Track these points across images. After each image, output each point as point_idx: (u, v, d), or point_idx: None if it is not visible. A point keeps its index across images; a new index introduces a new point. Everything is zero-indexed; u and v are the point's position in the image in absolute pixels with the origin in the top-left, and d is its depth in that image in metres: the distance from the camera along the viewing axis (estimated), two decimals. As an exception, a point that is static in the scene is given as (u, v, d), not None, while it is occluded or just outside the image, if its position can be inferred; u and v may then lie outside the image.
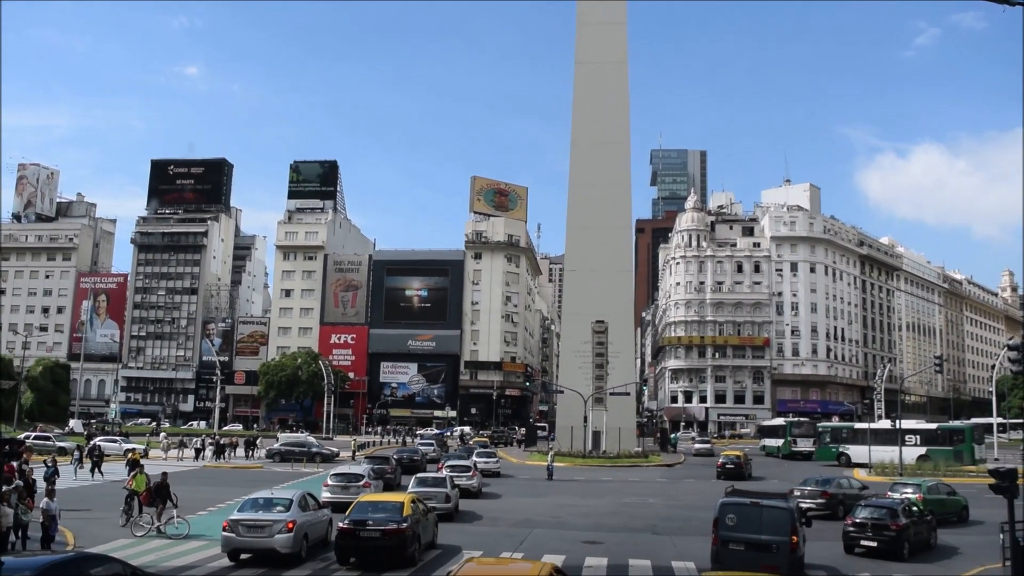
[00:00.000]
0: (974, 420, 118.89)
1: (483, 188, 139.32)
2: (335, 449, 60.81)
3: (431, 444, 62.95)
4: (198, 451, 57.10)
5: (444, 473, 33.48)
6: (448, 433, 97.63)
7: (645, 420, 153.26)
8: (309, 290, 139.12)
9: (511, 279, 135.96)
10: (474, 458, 45.82)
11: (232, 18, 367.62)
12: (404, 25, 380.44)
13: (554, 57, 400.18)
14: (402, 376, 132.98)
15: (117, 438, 63.35)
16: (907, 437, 56.57)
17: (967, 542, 26.56)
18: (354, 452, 60.45)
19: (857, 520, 24.19)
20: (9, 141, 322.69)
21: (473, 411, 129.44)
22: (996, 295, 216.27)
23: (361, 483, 31.54)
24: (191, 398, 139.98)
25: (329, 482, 32.04)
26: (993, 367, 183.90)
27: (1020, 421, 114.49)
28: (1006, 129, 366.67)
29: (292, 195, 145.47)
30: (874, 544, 23.54)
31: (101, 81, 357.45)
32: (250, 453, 60.23)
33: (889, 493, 29.27)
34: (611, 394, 64.43)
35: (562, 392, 68.38)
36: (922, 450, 56.91)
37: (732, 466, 47.70)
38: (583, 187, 76.65)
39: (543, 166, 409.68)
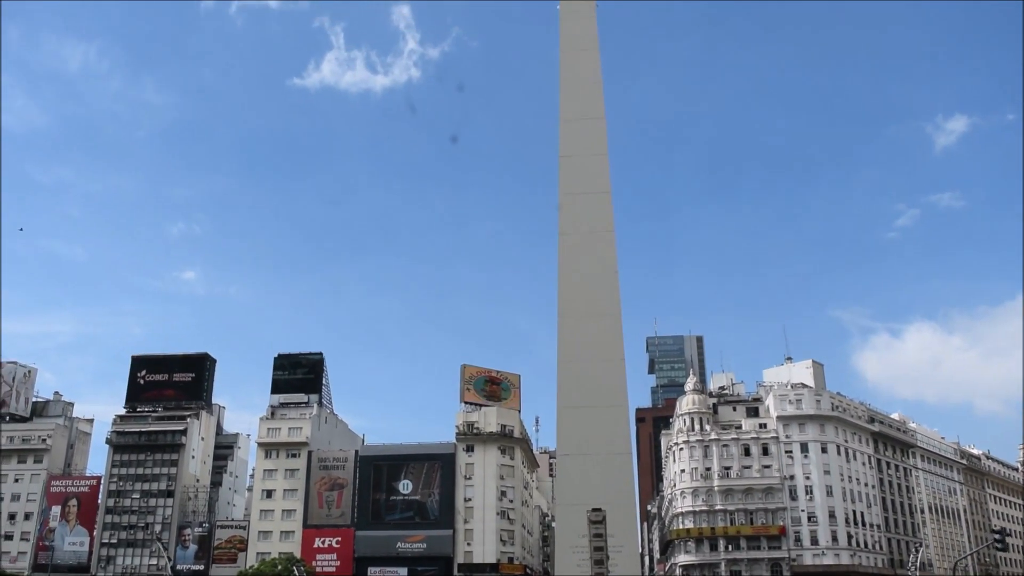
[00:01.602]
0: None
1: (473, 376, 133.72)
2: None
3: None
4: None
5: None
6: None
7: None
8: (292, 490, 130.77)
9: (506, 472, 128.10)
10: None
11: (229, 225, 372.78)
12: (395, 224, 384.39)
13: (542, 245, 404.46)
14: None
15: None
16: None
17: None
18: None
19: None
20: (12, 347, 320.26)
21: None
22: (1016, 470, 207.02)
23: None
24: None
25: None
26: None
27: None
28: (996, 304, 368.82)
29: (276, 389, 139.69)
30: None
31: (101, 287, 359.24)
32: None
33: None
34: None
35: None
36: None
37: None
38: (572, 363, 70.77)
39: (537, 358, 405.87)
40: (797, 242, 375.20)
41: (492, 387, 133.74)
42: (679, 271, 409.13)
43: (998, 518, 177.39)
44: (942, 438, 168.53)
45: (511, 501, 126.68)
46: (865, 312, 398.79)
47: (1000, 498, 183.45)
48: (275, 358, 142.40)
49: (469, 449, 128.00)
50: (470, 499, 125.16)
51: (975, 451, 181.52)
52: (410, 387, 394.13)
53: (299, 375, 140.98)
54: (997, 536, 55.58)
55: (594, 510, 58.52)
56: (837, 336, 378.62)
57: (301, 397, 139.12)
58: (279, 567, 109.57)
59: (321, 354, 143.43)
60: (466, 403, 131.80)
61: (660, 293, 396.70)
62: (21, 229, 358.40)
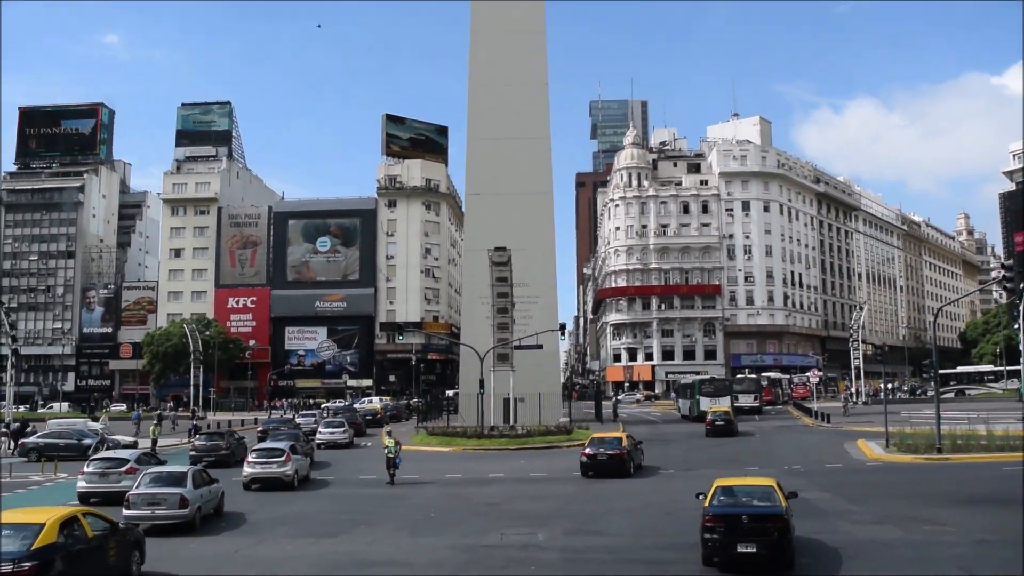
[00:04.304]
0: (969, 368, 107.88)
1: (397, 126, 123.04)
2: (127, 438, 45.25)
3: (312, 417, 58.49)
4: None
5: (251, 459, 29.49)
6: (363, 403, 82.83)
7: (587, 383, 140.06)
8: (202, 249, 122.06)
9: (431, 229, 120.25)
10: (323, 429, 46.39)
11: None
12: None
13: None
14: (310, 342, 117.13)
15: None
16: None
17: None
18: (154, 441, 44.71)
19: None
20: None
21: (392, 379, 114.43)
22: (953, 239, 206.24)
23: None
24: (71, 376, 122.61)
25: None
26: (958, 315, 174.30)
27: (996, 369, 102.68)
28: (938, 82, 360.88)
29: (181, 142, 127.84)
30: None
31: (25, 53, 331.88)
32: (12, 447, 44.20)
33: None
34: (517, 348, 49.45)
35: (446, 344, 53.32)
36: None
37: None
38: (486, 86, 61.13)
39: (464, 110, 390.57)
40: (745, 12, 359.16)
41: (417, 138, 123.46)
42: (624, 33, 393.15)
43: (932, 285, 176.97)
44: (885, 204, 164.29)
45: (436, 259, 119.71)
46: (809, 87, 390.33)
47: (936, 266, 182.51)
48: (179, 107, 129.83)
49: (391, 204, 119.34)
50: (392, 257, 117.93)
51: (916, 218, 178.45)
52: (333, 147, 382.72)
53: (207, 126, 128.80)
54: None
55: (497, 249, 50.43)
56: (780, 110, 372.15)
57: (209, 150, 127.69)
58: (190, 327, 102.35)
59: (229, 103, 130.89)
60: (388, 156, 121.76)
61: (604, 55, 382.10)
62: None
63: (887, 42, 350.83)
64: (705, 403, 61.87)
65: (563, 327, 50.39)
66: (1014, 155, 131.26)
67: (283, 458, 29.06)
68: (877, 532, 19.10)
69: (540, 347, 50.31)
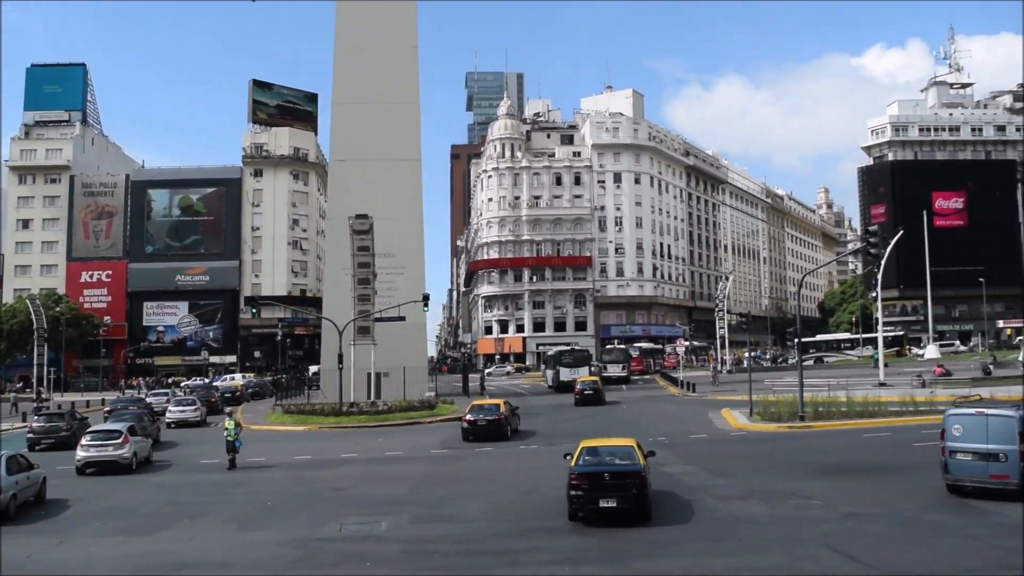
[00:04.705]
0: (832, 336, 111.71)
1: (264, 92, 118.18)
2: None
3: (164, 395, 56.15)
4: None
5: (84, 442, 27.79)
6: (224, 380, 79.51)
7: (459, 357, 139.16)
8: (53, 220, 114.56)
9: (299, 200, 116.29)
10: (172, 408, 45.31)
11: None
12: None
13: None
14: (170, 318, 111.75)
15: None
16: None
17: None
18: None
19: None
20: None
21: (257, 355, 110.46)
22: (814, 212, 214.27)
23: None
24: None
25: None
26: (817, 285, 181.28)
27: (853, 336, 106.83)
28: (803, 61, 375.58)
29: (30, 106, 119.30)
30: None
31: None
32: None
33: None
34: (378, 320, 47.63)
35: (309, 318, 51.29)
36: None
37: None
38: (353, 50, 58.65)
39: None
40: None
41: (286, 105, 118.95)
42: (501, 5, 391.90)
43: (794, 256, 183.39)
44: (751, 178, 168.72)
45: (304, 230, 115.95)
46: (680, 64, 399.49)
47: (797, 238, 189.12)
48: (27, 69, 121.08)
49: (258, 174, 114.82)
50: (258, 228, 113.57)
51: (780, 191, 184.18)
52: (199, 115, 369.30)
53: (58, 89, 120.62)
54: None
55: (358, 217, 48.34)
56: (652, 86, 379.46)
57: (61, 115, 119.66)
58: (35, 303, 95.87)
59: (84, 65, 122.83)
60: (255, 123, 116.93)
61: (481, 27, 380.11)
62: None
63: (755, 22, 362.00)
64: (565, 373, 63.48)
65: (426, 298, 48.65)
66: (872, 131, 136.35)
67: (119, 440, 27.42)
68: (743, 508, 18.34)
69: (402, 319, 48.55)
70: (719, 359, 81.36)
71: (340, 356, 44.63)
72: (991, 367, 57.88)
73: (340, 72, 59.32)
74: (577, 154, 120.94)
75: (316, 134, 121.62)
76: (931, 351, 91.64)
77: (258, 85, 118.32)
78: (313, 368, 74.54)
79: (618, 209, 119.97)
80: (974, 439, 18.59)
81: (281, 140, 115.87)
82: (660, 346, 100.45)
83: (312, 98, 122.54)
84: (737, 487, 20.80)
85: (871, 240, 35.25)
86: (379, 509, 19.64)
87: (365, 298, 46.60)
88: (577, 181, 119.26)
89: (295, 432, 39.35)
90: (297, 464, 28.48)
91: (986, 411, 19.08)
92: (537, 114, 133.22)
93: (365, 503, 20.56)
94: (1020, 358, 65.88)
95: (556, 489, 19.29)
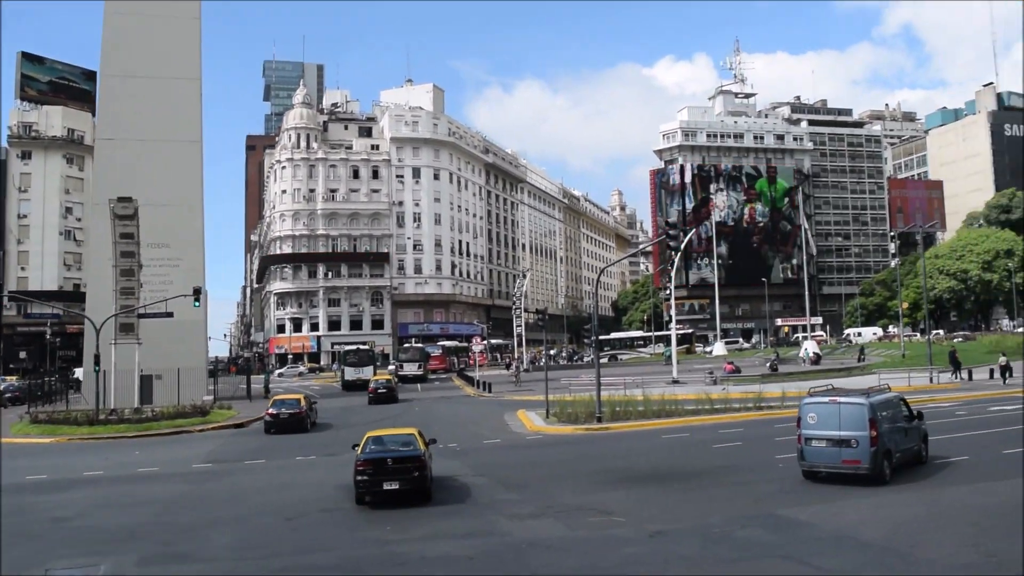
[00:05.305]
0: (629, 334, 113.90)
1: (35, 67, 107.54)
2: None
3: None
4: None
5: None
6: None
7: (250, 357, 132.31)
8: None
9: (73, 186, 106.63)
10: None
11: None
12: None
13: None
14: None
15: None
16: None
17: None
18: None
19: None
20: None
21: (22, 356, 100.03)
22: (608, 213, 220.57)
23: None
24: None
25: None
26: (611, 285, 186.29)
27: (647, 334, 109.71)
28: (598, 69, 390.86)
29: None
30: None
31: None
32: None
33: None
34: (141, 317, 42.97)
35: (60, 315, 45.94)
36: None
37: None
38: (125, 14, 53.18)
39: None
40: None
41: (60, 82, 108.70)
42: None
43: (589, 256, 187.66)
44: (549, 179, 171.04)
45: (79, 219, 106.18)
46: (482, 65, 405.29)
47: (592, 238, 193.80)
48: None
49: (26, 156, 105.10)
50: (26, 216, 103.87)
51: (576, 192, 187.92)
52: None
53: None
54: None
55: (120, 200, 43.32)
56: (454, 86, 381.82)
57: None
58: None
59: None
60: (24, 100, 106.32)
61: (282, 15, 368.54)
62: None
63: (553, 28, 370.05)
64: (350, 373, 64.53)
65: (197, 292, 44.01)
66: (664, 135, 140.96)
67: None
68: (537, 529, 16.08)
69: (170, 315, 43.89)
70: (519, 357, 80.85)
71: (97, 357, 39.58)
72: (777, 364, 59.92)
73: (109, 40, 53.60)
74: (376, 147, 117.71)
75: (94, 115, 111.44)
76: (719, 348, 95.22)
77: (28, 58, 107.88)
78: (79, 371, 67.58)
79: (417, 205, 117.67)
80: (827, 426, 19.21)
81: (53, 120, 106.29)
82: (466, 344, 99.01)
83: (90, 75, 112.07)
84: (531, 502, 18.68)
85: (670, 232, 35.01)
86: (104, 547, 15.89)
87: (129, 292, 41.73)
88: (375, 175, 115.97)
89: (38, 445, 33.90)
90: (23, 486, 23.49)
91: (839, 399, 19.56)
92: (335, 105, 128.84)
93: (88, 538, 16.73)
94: (801, 355, 68.99)
95: (327, 512, 18.13)
